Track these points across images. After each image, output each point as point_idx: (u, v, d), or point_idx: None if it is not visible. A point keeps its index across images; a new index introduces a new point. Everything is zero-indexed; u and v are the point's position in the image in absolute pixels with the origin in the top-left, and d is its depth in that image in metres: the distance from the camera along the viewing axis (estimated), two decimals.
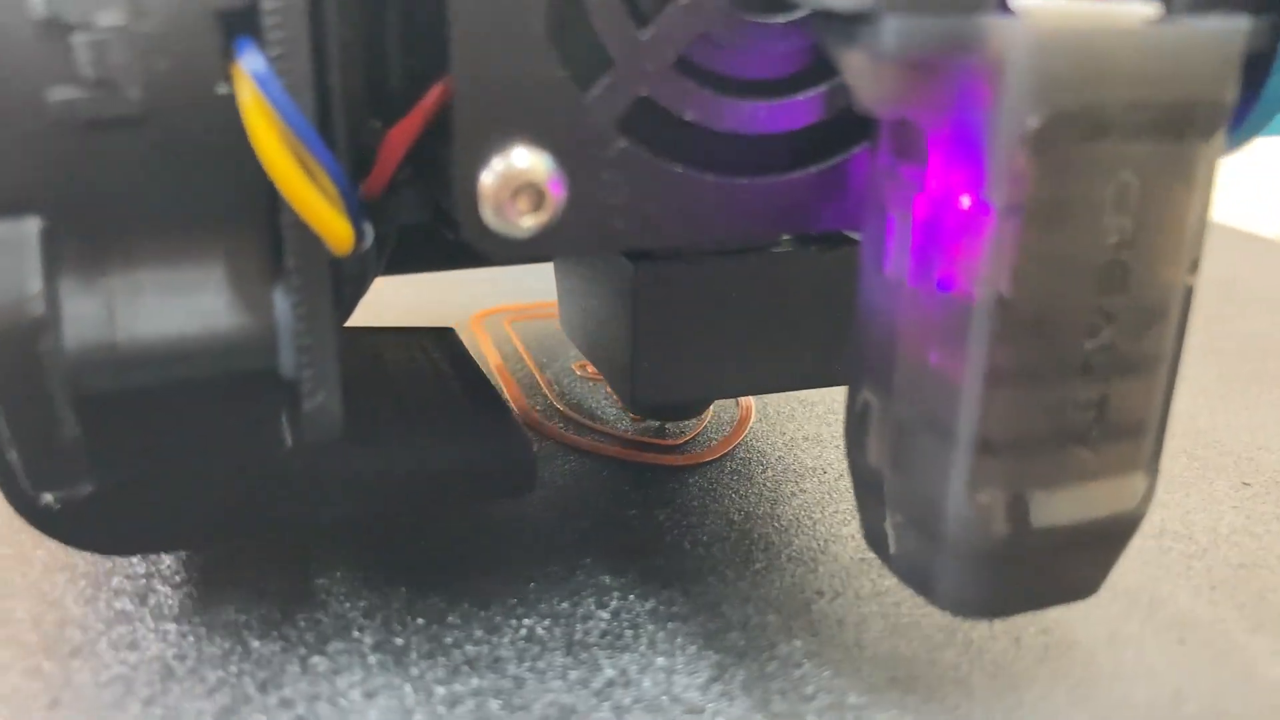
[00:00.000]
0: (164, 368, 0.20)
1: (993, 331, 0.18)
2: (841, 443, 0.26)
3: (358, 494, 0.23)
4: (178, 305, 0.20)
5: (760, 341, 0.26)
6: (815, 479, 0.30)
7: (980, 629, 0.24)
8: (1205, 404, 0.36)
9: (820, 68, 0.20)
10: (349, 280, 0.21)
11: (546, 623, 0.23)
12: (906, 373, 0.20)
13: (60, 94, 0.18)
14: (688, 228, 0.20)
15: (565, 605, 0.24)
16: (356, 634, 0.23)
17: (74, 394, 0.19)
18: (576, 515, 0.27)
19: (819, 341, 0.25)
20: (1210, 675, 0.22)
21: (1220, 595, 0.25)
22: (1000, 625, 0.25)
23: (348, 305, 0.22)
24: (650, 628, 0.23)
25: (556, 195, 0.18)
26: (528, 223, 0.19)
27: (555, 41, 0.18)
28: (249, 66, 0.18)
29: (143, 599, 0.23)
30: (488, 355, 0.37)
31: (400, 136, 0.20)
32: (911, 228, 0.19)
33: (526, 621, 0.23)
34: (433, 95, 0.20)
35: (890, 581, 0.25)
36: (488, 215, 0.18)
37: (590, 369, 0.37)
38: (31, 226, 0.18)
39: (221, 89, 0.19)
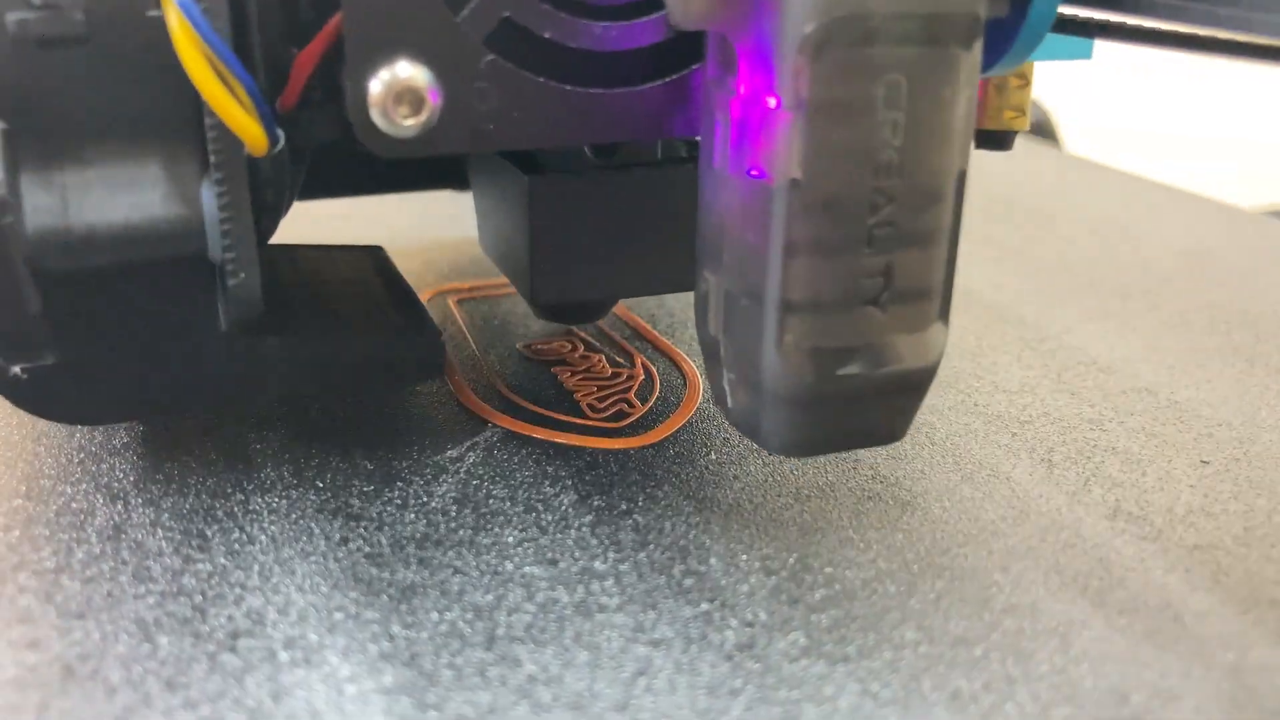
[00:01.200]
0: (111, 251, 0.24)
1: (789, 210, 0.22)
2: None
3: (283, 376, 0.27)
4: (121, 197, 0.24)
5: (645, 246, 0.30)
6: (759, 460, 0.28)
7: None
8: (1168, 378, 0.34)
9: None
10: (270, 182, 0.25)
11: (469, 616, 0.22)
12: (730, 250, 0.23)
13: (15, 15, 0.21)
14: (550, 131, 0.24)
15: (490, 598, 0.22)
16: (269, 630, 0.21)
17: (35, 273, 0.23)
18: (506, 500, 0.26)
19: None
20: (1161, 661, 0.21)
21: (1175, 579, 0.23)
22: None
23: (272, 207, 0.26)
24: (577, 620, 0.22)
25: (434, 101, 0.22)
26: (410, 124, 0.22)
27: None
28: None
29: (48, 596, 0.22)
30: None
31: (307, 56, 0.24)
32: (730, 127, 0.23)
33: (448, 615, 0.22)
34: (333, 22, 0.23)
35: (835, 571, 0.24)
36: (376, 117, 0.22)
37: (536, 347, 0.36)
38: None
39: (152, 12, 0.22)
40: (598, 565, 0.24)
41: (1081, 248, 0.47)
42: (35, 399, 0.26)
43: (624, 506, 0.26)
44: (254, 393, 0.27)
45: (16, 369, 0.25)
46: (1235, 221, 0.53)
